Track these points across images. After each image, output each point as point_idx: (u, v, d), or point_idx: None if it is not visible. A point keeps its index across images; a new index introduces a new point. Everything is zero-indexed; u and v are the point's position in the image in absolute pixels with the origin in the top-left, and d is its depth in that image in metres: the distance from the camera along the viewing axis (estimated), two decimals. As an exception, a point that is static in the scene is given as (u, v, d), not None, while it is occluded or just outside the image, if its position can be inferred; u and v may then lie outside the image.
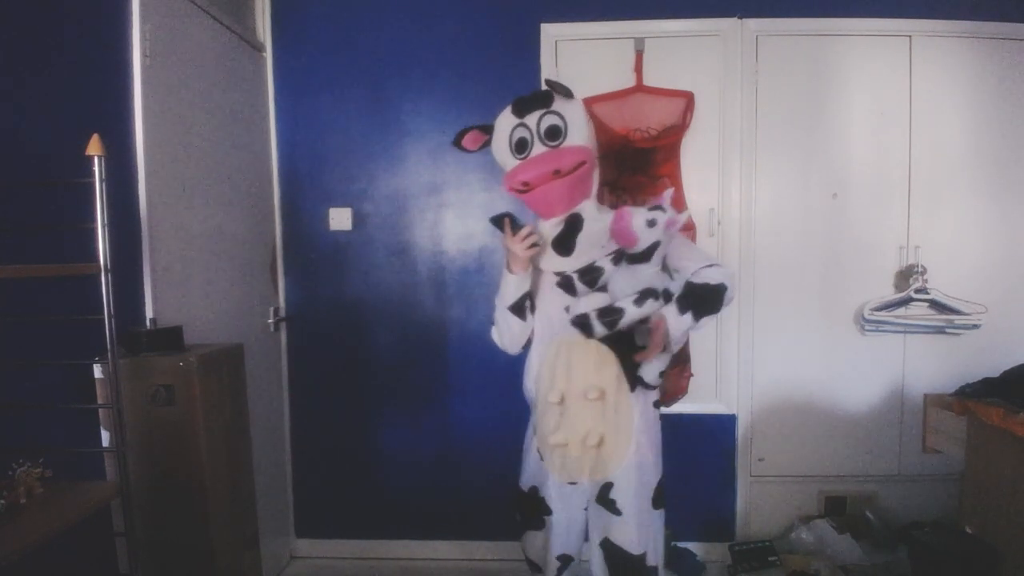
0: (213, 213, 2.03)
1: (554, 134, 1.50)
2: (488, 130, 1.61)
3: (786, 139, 2.32)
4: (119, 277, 1.33)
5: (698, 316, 1.43)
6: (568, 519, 1.63)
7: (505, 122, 1.57)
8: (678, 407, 2.35)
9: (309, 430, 2.53)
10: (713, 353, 2.37)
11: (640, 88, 2.28)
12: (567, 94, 1.52)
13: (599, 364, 1.52)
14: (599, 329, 1.44)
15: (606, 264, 1.48)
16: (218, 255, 2.06)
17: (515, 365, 2.40)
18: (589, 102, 2.27)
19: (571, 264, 1.52)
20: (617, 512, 1.55)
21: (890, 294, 2.31)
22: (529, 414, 1.71)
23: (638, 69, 2.30)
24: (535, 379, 1.62)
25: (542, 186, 1.48)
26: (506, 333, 1.64)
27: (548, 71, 2.33)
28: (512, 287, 1.57)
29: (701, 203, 2.32)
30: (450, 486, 2.50)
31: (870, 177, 2.32)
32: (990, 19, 2.26)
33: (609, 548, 1.58)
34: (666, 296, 1.45)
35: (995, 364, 2.08)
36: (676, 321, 1.42)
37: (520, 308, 1.59)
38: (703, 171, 2.32)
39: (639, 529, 1.55)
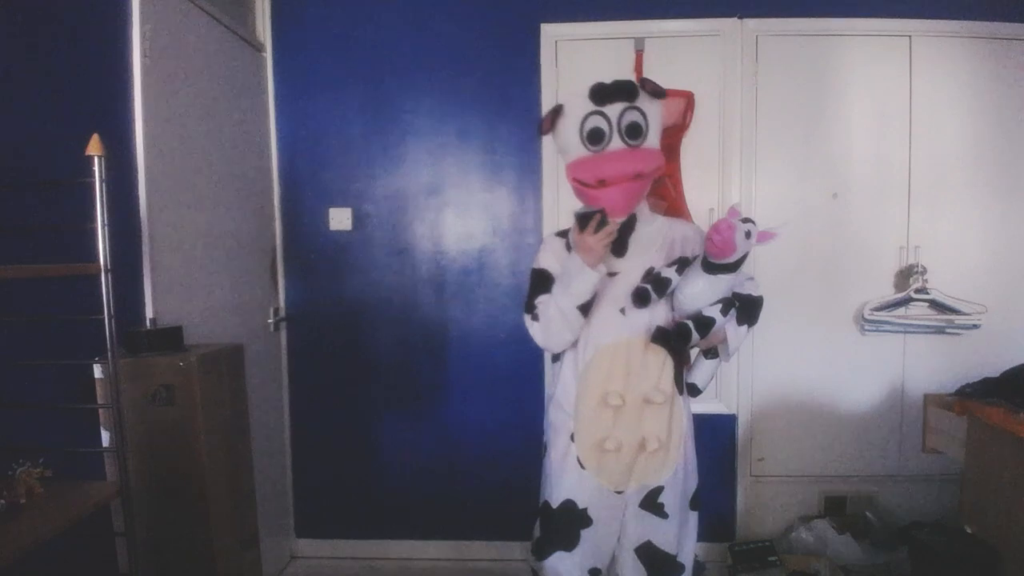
0: (213, 213, 2.03)
1: (635, 132, 1.41)
2: (556, 112, 1.48)
3: (786, 139, 2.32)
4: (119, 277, 1.33)
5: (750, 327, 1.51)
6: (606, 531, 1.54)
7: (579, 107, 1.43)
8: (678, 407, 2.34)
9: (309, 430, 2.53)
10: (713, 353, 2.37)
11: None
12: (659, 94, 1.43)
13: (662, 365, 1.48)
14: (695, 338, 1.45)
15: (672, 274, 1.44)
16: (218, 255, 2.06)
17: (515, 365, 2.42)
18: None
19: (622, 265, 1.48)
20: (664, 515, 1.52)
21: (890, 294, 2.31)
22: (541, 419, 1.65)
23: (638, 69, 2.30)
24: (579, 382, 1.52)
25: (620, 185, 1.40)
26: (562, 331, 1.48)
27: (548, 71, 2.33)
28: (589, 284, 1.41)
29: (701, 203, 2.32)
30: (450, 486, 2.50)
31: (870, 177, 2.32)
32: (990, 19, 2.27)
33: (650, 551, 1.52)
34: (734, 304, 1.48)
35: (995, 364, 2.08)
36: (737, 332, 1.49)
37: (588, 306, 1.44)
38: (703, 171, 2.32)
39: (679, 530, 1.55)
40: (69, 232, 1.34)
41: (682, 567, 1.57)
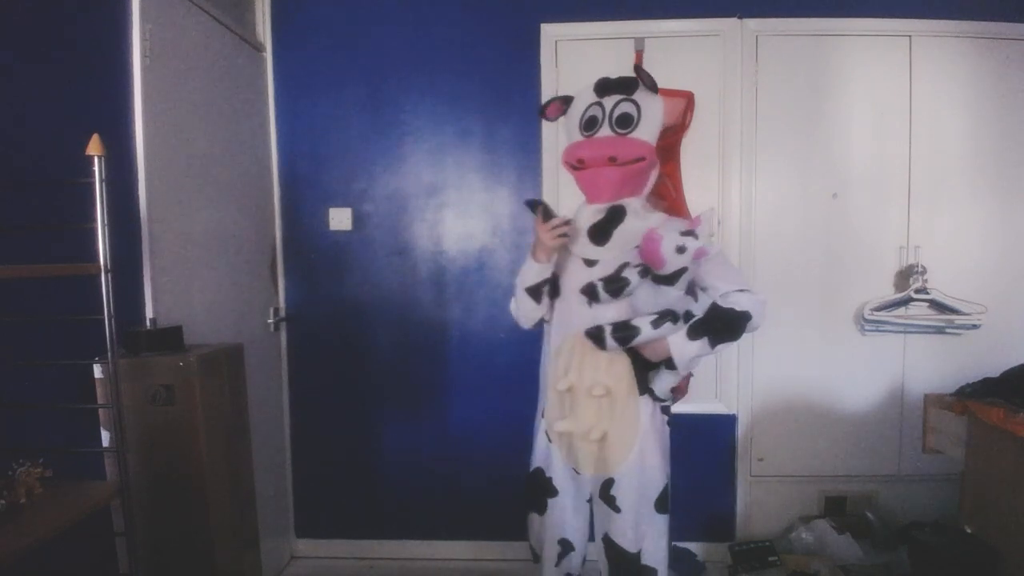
0: (213, 213, 2.03)
1: (625, 122, 1.49)
2: (569, 101, 1.61)
3: (786, 139, 2.32)
4: (119, 277, 1.33)
5: (715, 342, 1.45)
6: (572, 505, 1.64)
7: (584, 97, 1.57)
8: (678, 407, 2.32)
9: (309, 430, 2.53)
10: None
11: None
12: (652, 87, 1.50)
13: (610, 362, 1.51)
14: (611, 344, 1.44)
15: (633, 276, 1.45)
16: (218, 255, 2.06)
17: (515, 365, 2.42)
18: (589, 102, 2.28)
19: (602, 255, 1.51)
20: (616, 509, 1.55)
21: (890, 294, 2.31)
22: (538, 397, 1.71)
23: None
24: (549, 364, 1.62)
25: (595, 168, 1.49)
26: (519, 311, 1.65)
27: (548, 71, 2.33)
28: (532, 272, 1.55)
29: (701, 203, 2.31)
30: (450, 486, 2.50)
31: (870, 177, 2.32)
32: (990, 19, 2.26)
33: (608, 544, 1.59)
34: (686, 318, 1.45)
35: (995, 364, 2.08)
36: (685, 346, 1.44)
37: (537, 292, 1.57)
38: (703, 171, 2.32)
39: (636, 528, 1.55)
40: (69, 232, 1.34)
41: (650, 570, 1.56)
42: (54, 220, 1.40)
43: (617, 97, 1.51)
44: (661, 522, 1.58)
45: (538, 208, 1.50)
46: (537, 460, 1.68)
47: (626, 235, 1.49)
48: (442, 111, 2.41)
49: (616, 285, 1.45)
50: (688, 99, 2.26)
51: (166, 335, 1.58)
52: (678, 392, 2.33)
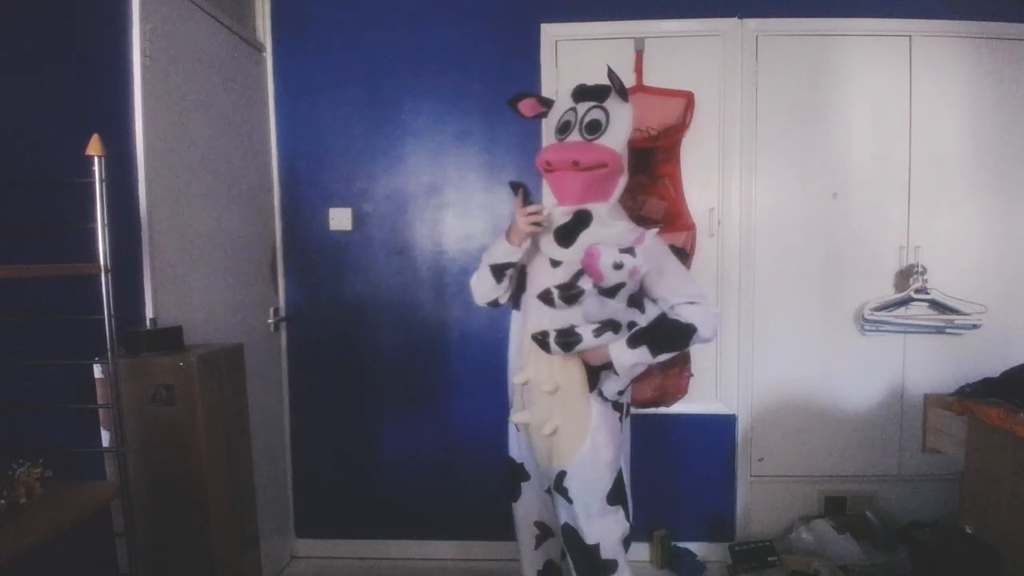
0: (213, 213, 2.03)
1: (593, 128, 1.54)
2: (548, 104, 1.68)
3: (786, 139, 2.32)
4: (119, 277, 1.33)
5: (655, 351, 1.50)
6: (541, 489, 1.72)
7: (562, 102, 1.64)
8: (678, 407, 2.35)
9: (309, 430, 2.53)
10: (713, 353, 2.37)
11: (640, 88, 2.28)
12: (622, 92, 1.56)
13: (563, 361, 1.57)
14: (555, 349, 1.50)
15: (587, 285, 1.51)
16: (218, 255, 2.06)
17: (515, 365, 2.42)
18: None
19: (567, 256, 1.57)
20: (569, 500, 1.60)
21: (890, 294, 2.31)
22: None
23: (638, 69, 2.30)
24: (515, 359, 1.69)
25: (561, 171, 1.54)
26: (478, 285, 1.70)
27: (548, 71, 2.33)
28: (502, 251, 1.61)
29: (701, 203, 2.32)
30: (450, 486, 2.50)
31: (870, 177, 2.32)
32: (990, 19, 2.26)
33: (568, 532, 1.63)
34: (629, 327, 1.53)
35: (995, 364, 2.08)
36: (624, 354, 1.50)
37: (500, 271, 1.63)
38: (703, 171, 2.32)
39: (589, 520, 1.59)
40: (69, 232, 1.34)
41: (608, 562, 1.60)
42: (54, 220, 1.40)
43: (589, 104, 1.56)
44: (614, 513, 1.62)
45: (519, 190, 1.56)
46: (511, 449, 1.78)
47: (590, 240, 1.54)
48: (442, 111, 2.41)
49: (570, 292, 1.52)
50: (688, 99, 2.26)
51: (166, 335, 1.58)
52: (678, 391, 2.35)
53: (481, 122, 2.40)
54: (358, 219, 2.45)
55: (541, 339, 1.51)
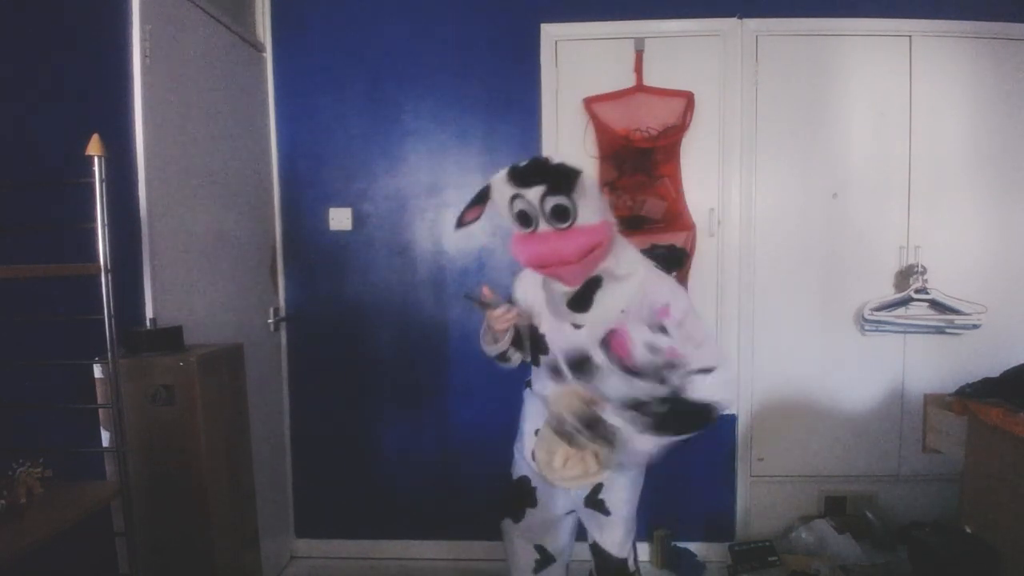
0: (213, 213, 2.03)
1: (562, 215, 1.33)
2: (481, 197, 1.46)
3: (786, 139, 2.32)
4: (119, 277, 1.33)
5: (676, 435, 1.41)
6: (551, 518, 1.66)
7: (503, 188, 1.39)
8: (678, 407, 2.34)
9: (309, 430, 2.53)
10: (713, 353, 2.37)
11: (640, 88, 2.28)
12: (569, 176, 1.34)
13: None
14: (578, 437, 1.40)
15: (601, 358, 1.42)
16: (218, 255, 2.06)
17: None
18: (589, 102, 2.28)
19: (587, 319, 1.45)
20: (606, 512, 1.56)
21: (890, 294, 2.31)
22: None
23: (638, 69, 2.30)
24: (552, 402, 1.53)
25: (554, 266, 1.39)
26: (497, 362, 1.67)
27: (548, 71, 2.33)
28: (492, 350, 1.59)
29: (701, 203, 2.32)
30: (450, 486, 2.50)
31: (870, 177, 2.32)
32: (990, 19, 2.26)
33: (597, 552, 1.61)
34: (655, 405, 1.41)
35: (995, 364, 2.08)
36: (647, 444, 1.40)
37: (504, 358, 1.62)
38: (703, 171, 2.32)
39: (627, 533, 1.58)
40: (69, 232, 1.34)
41: (633, 574, 1.60)
42: (54, 220, 1.39)
43: (539, 190, 1.33)
44: (634, 529, 1.63)
45: (475, 303, 1.48)
46: (524, 469, 1.68)
47: (607, 298, 1.43)
48: (442, 111, 2.40)
49: (582, 367, 1.45)
50: (688, 99, 2.26)
51: (166, 335, 1.58)
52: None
53: (481, 122, 2.40)
54: (358, 219, 2.45)
55: (567, 430, 1.40)
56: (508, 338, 1.55)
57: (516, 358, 1.64)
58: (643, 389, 1.42)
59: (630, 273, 1.44)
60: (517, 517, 1.68)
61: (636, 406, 1.40)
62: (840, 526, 2.28)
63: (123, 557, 1.47)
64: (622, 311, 1.42)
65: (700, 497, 2.45)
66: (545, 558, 1.68)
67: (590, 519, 1.61)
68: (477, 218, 1.48)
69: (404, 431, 2.50)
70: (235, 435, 1.69)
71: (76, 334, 1.40)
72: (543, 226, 1.36)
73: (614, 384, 1.44)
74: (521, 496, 1.68)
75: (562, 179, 1.33)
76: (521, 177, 1.36)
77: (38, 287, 1.35)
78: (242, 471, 1.74)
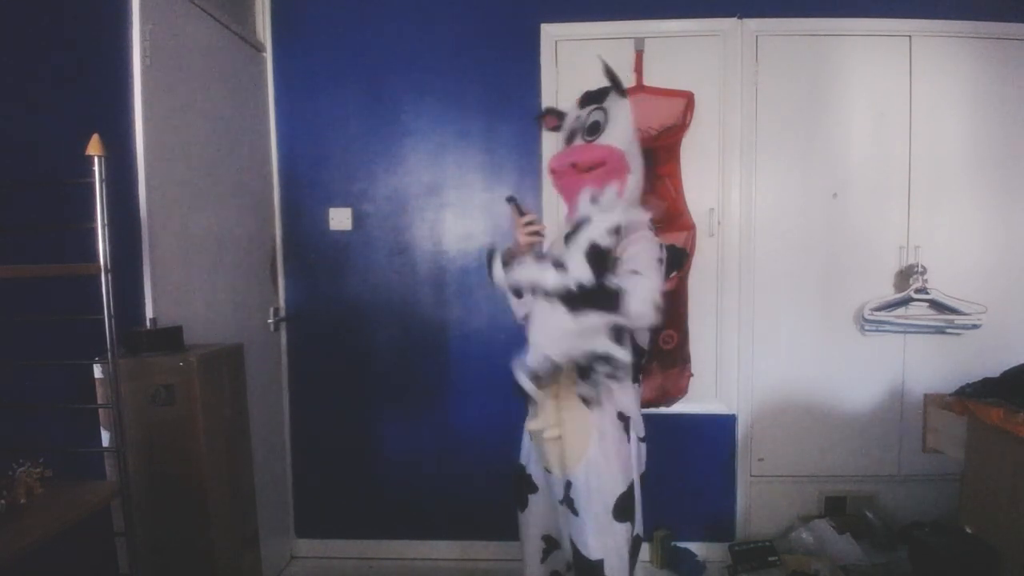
0: (213, 213, 2.03)
1: (593, 129, 1.55)
2: (561, 116, 1.71)
3: (786, 139, 2.32)
4: (119, 277, 1.33)
5: (575, 303, 1.36)
6: (549, 504, 1.67)
7: (571, 112, 1.66)
8: (678, 407, 2.35)
9: (309, 430, 2.53)
10: (713, 353, 2.37)
11: (640, 88, 2.28)
12: (619, 88, 1.57)
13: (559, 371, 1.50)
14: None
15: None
16: (218, 255, 2.06)
17: (515, 365, 2.42)
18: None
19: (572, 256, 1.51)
20: (575, 512, 1.54)
21: (890, 294, 2.31)
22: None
23: (638, 69, 2.30)
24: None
25: (563, 178, 1.56)
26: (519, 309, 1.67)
27: (548, 71, 2.33)
28: (497, 279, 1.58)
29: (701, 203, 2.32)
30: (450, 486, 2.50)
31: (870, 177, 2.32)
32: (990, 19, 2.26)
33: (573, 548, 1.58)
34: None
35: (995, 364, 2.08)
36: (546, 274, 1.40)
37: (517, 290, 1.62)
38: (703, 171, 2.32)
39: (595, 535, 1.52)
40: (69, 232, 1.34)
41: None
42: (54, 220, 1.40)
43: (591, 107, 1.59)
44: (621, 532, 1.54)
45: (512, 206, 1.56)
46: (522, 457, 1.74)
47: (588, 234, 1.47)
48: (442, 111, 2.40)
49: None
50: (688, 99, 2.26)
51: (166, 335, 1.58)
52: (678, 391, 2.35)
53: (481, 122, 2.40)
54: (358, 219, 2.45)
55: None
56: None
57: (522, 303, 1.63)
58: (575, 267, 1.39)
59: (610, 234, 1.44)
60: (522, 505, 1.72)
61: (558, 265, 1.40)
62: (840, 526, 2.28)
63: (123, 557, 1.47)
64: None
65: (700, 497, 2.45)
66: (550, 545, 1.71)
67: (564, 516, 1.59)
68: (552, 127, 1.75)
69: (404, 431, 2.50)
70: (235, 435, 1.69)
71: (76, 334, 1.40)
72: (578, 139, 1.58)
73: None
74: (520, 483, 1.72)
75: (606, 94, 1.57)
76: (586, 98, 1.61)
77: (38, 287, 1.35)
78: (242, 471, 1.74)
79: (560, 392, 1.55)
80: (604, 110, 1.55)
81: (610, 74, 1.57)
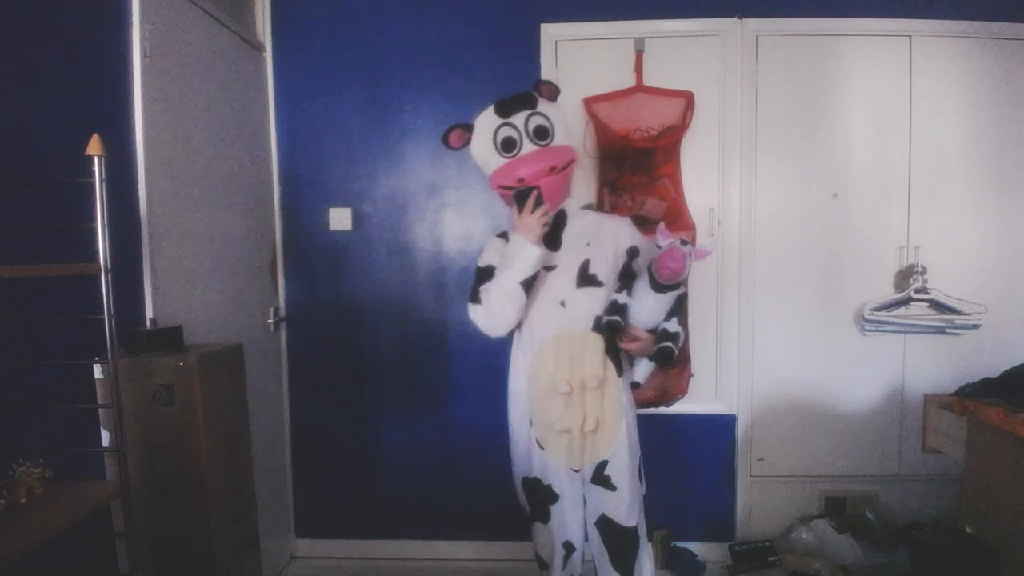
0: (213, 213, 2.03)
1: (542, 134, 1.59)
2: (469, 128, 1.67)
3: (786, 139, 2.32)
4: (119, 277, 1.33)
5: (681, 320, 1.62)
6: (572, 506, 1.70)
7: (487, 122, 1.63)
8: (678, 407, 2.35)
9: (309, 430, 2.53)
10: (713, 353, 2.37)
11: (640, 88, 2.28)
12: (552, 97, 1.63)
13: (594, 353, 1.60)
14: (660, 353, 1.57)
15: (625, 298, 1.57)
16: (218, 255, 2.06)
17: (515, 365, 2.41)
18: (589, 102, 2.28)
19: (559, 259, 1.63)
20: (612, 488, 1.63)
21: (890, 294, 2.31)
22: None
23: (638, 69, 2.30)
24: (529, 373, 1.67)
25: (538, 182, 1.56)
26: (504, 309, 1.60)
27: (548, 71, 2.33)
28: (531, 259, 1.54)
29: (701, 203, 2.32)
30: (450, 486, 2.50)
31: (870, 177, 2.32)
32: (990, 19, 2.26)
33: (606, 524, 1.66)
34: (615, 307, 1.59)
35: (995, 364, 2.08)
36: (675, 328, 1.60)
37: (530, 283, 1.57)
38: (703, 171, 2.32)
39: (631, 503, 1.64)
40: (69, 232, 1.34)
41: (641, 543, 1.68)
42: (54, 220, 1.39)
43: (524, 114, 1.58)
44: (641, 494, 1.71)
45: (532, 195, 1.53)
46: (532, 471, 1.71)
47: (572, 236, 1.64)
48: (442, 111, 2.40)
49: (622, 311, 1.56)
50: (688, 99, 2.26)
51: (166, 335, 1.58)
52: (678, 391, 2.35)
53: (481, 122, 2.40)
54: (358, 219, 2.45)
55: (666, 352, 1.56)
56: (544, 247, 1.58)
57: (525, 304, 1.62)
58: (675, 296, 1.56)
59: (583, 212, 1.71)
60: (544, 518, 1.71)
61: (671, 312, 1.57)
62: (840, 526, 2.28)
63: (123, 557, 1.47)
64: (588, 244, 1.64)
65: (700, 497, 2.45)
66: (568, 551, 1.75)
67: (598, 496, 1.66)
68: (460, 145, 1.69)
69: (404, 431, 2.50)
70: (235, 435, 1.69)
71: (76, 334, 1.40)
72: (527, 146, 1.58)
73: (648, 308, 1.56)
74: (538, 496, 1.71)
75: (536, 102, 1.59)
76: (508, 107, 1.60)
77: (38, 287, 1.35)
78: (242, 471, 1.74)
79: (603, 374, 1.61)
80: (543, 115, 1.59)
81: (543, 86, 1.63)
